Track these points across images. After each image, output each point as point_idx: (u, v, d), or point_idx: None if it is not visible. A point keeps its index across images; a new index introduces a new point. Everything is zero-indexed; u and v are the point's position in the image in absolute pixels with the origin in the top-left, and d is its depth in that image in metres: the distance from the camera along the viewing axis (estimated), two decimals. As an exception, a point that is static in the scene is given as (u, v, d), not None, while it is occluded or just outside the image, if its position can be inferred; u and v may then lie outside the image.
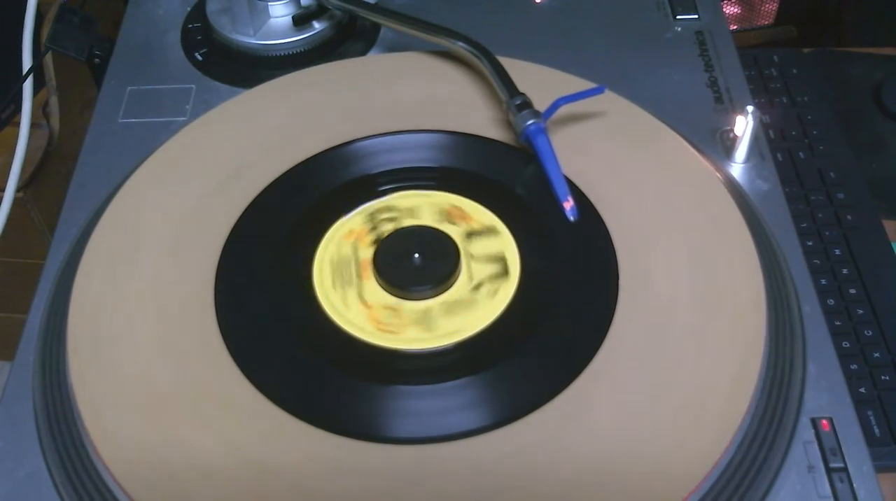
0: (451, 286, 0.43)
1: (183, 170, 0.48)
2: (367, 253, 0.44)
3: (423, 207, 0.46)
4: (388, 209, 0.46)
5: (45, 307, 0.44)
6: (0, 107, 0.80)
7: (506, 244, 0.44)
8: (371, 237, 0.45)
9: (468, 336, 0.41)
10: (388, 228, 0.45)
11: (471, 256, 0.44)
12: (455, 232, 0.45)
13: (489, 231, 0.45)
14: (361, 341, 0.41)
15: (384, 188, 0.47)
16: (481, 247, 0.44)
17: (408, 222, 0.45)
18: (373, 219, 0.45)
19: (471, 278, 0.43)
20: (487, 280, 0.43)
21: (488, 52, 0.50)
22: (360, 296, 0.42)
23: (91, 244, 0.44)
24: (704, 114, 0.52)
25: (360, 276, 0.43)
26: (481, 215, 0.46)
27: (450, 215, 0.46)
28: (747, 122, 0.48)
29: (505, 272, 0.43)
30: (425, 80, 0.53)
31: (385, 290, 0.43)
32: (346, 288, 0.43)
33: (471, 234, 0.45)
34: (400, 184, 0.47)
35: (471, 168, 0.48)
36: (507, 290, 0.42)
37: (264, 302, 0.42)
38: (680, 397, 0.38)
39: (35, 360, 0.42)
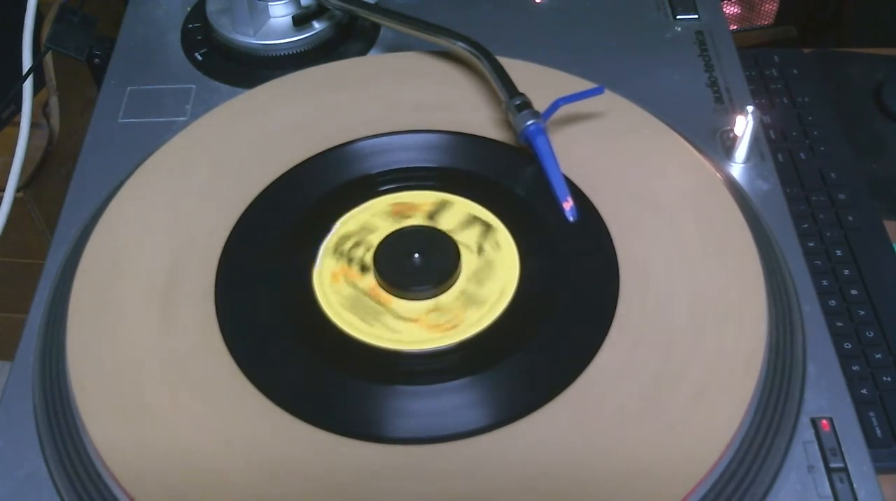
0: (456, 280, 0.43)
1: (183, 170, 0.48)
2: (367, 281, 0.43)
3: (372, 219, 0.45)
4: (347, 237, 0.45)
5: (45, 307, 0.44)
6: (0, 107, 0.80)
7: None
8: (357, 268, 0.44)
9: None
10: (361, 253, 0.44)
11: (451, 231, 0.44)
12: (416, 221, 0.45)
13: (442, 205, 0.46)
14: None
15: (384, 188, 0.47)
16: (449, 218, 0.45)
17: (372, 238, 0.45)
18: (341, 253, 0.44)
19: (470, 249, 0.44)
20: (481, 239, 0.44)
21: (488, 52, 0.50)
22: (399, 317, 0.42)
23: (91, 244, 0.44)
24: (704, 114, 0.52)
25: (381, 303, 0.42)
26: (425, 198, 0.46)
27: (399, 213, 0.46)
28: (747, 122, 0.48)
29: (488, 226, 0.44)
30: (425, 79, 0.53)
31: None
32: (381, 318, 0.42)
33: (432, 215, 0.46)
34: (400, 185, 0.47)
35: (471, 168, 0.48)
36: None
37: (264, 302, 0.42)
38: (679, 397, 0.38)
39: (35, 360, 0.42)
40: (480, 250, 0.44)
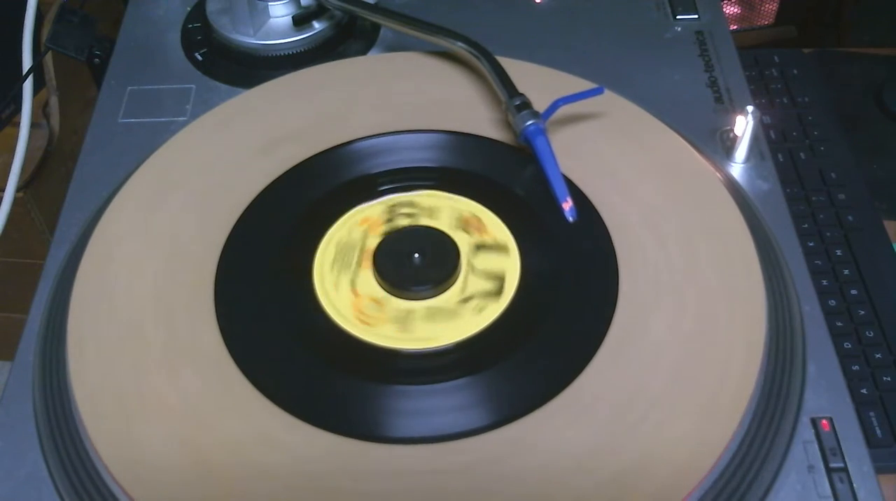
0: (442, 292, 0.43)
1: (183, 170, 0.48)
2: (373, 242, 0.44)
3: (443, 210, 0.46)
4: (410, 204, 0.46)
5: (45, 307, 0.44)
6: (0, 107, 0.80)
7: (506, 244, 0.44)
8: (384, 228, 0.45)
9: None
10: (403, 222, 0.45)
11: (472, 267, 0.44)
12: (465, 241, 0.44)
13: (499, 247, 0.44)
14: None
15: (384, 188, 0.47)
16: (485, 260, 0.44)
17: (425, 221, 0.45)
18: (392, 211, 0.46)
19: (464, 289, 0.43)
20: (478, 295, 0.42)
21: (488, 52, 0.50)
22: (352, 283, 0.43)
23: (91, 244, 0.44)
24: (704, 114, 0.52)
25: (359, 264, 0.44)
26: (498, 230, 0.45)
27: (466, 223, 0.45)
28: (747, 122, 0.48)
29: (499, 290, 0.43)
30: (425, 80, 0.53)
31: (381, 286, 0.43)
32: (342, 273, 0.43)
33: (480, 247, 0.44)
34: (400, 185, 0.47)
35: (471, 168, 0.48)
36: (496, 308, 0.42)
37: (265, 302, 0.42)
38: (679, 396, 0.38)
39: (35, 360, 0.42)
40: (466, 301, 0.42)
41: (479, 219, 0.46)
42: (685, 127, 0.50)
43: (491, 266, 0.44)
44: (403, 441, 0.37)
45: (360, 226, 0.45)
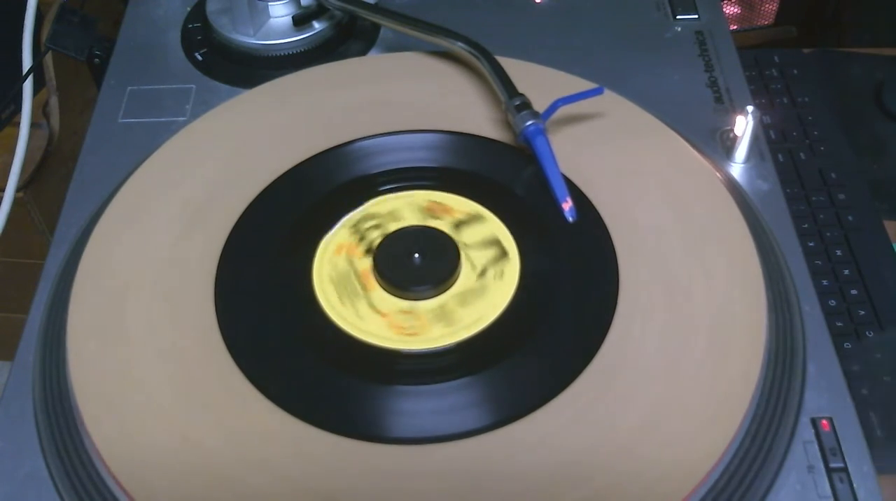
0: (456, 280, 0.43)
1: (183, 170, 0.48)
2: (364, 263, 0.44)
3: (403, 208, 0.46)
4: (370, 217, 0.46)
5: (45, 307, 0.44)
6: (0, 107, 0.80)
7: (504, 242, 0.44)
8: (362, 247, 0.44)
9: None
10: (375, 236, 0.45)
11: (466, 245, 0.44)
12: (442, 225, 0.45)
13: (474, 218, 0.45)
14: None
15: (384, 188, 0.47)
16: (472, 233, 0.45)
17: (393, 226, 0.45)
18: (357, 229, 0.45)
19: (473, 267, 0.43)
20: (489, 264, 0.43)
21: (488, 52, 0.50)
22: (372, 306, 0.42)
23: (91, 244, 0.44)
24: (704, 114, 0.52)
25: (364, 288, 0.43)
26: (462, 205, 0.46)
27: (431, 211, 0.46)
28: (747, 122, 0.48)
29: (503, 251, 0.44)
30: (425, 80, 0.53)
31: (389, 292, 0.43)
32: (355, 301, 0.42)
33: (459, 224, 0.45)
34: (399, 185, 0.47)
35: (471, 168, 0.48)
36: (512, 272, 0.43)
37: (264, 302, 0.42)
38: (680, 397, 0.38)
39: (35, 360, 0.42)
40: (482, 273, 0.43)
41: (438, 204, 0.46)
42: (685, 127, 0.50)
43: (480, 236, 0.44)
44: (403, 441, 0.37)
45: (340, 256, 0.44)
